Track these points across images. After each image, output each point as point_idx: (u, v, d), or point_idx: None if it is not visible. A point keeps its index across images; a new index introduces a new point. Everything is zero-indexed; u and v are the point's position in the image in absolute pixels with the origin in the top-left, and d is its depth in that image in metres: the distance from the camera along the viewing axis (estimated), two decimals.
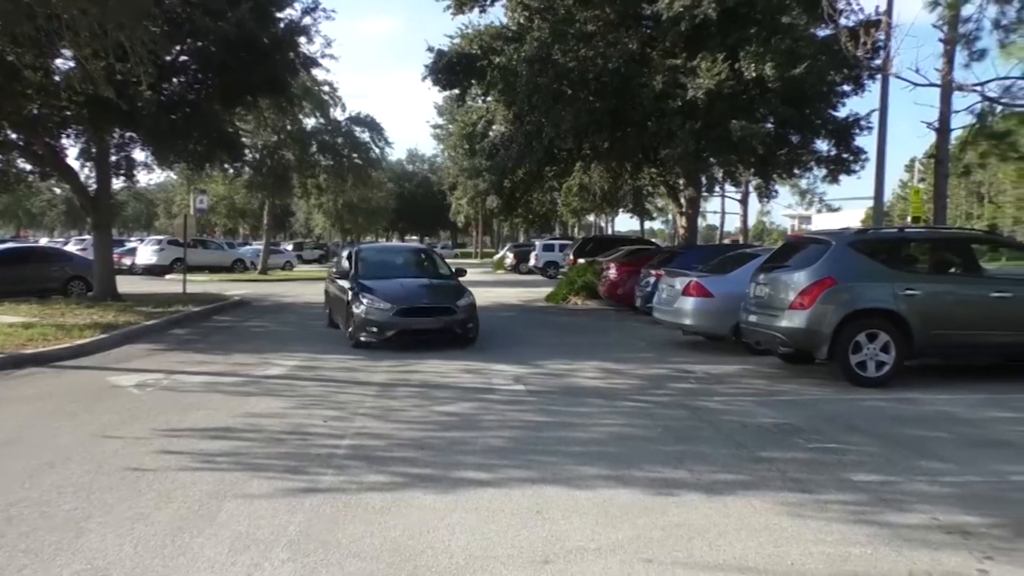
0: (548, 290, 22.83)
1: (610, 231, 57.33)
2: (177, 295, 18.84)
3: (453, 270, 14.01)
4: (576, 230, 60.00)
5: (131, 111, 15.57)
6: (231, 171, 26.03)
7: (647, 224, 58.94)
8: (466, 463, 5.54)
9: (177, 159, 20.29)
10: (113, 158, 18.83)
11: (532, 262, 39.08)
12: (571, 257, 27.26)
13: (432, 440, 6.19)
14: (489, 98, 23.45)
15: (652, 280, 14.79)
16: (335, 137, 36.84)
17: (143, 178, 41.91)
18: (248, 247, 47.24)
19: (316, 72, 28.60)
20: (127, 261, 33.55)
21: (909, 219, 23.99)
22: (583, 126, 18.21)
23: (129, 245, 38.81)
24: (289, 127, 33.74)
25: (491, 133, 24.31)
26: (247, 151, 26.27)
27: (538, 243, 41.32)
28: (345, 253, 14.78)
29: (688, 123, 16.72)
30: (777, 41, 15.83)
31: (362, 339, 11.29)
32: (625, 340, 12.98)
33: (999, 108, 16.24)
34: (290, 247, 53.83)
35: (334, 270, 14.65)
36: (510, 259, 44.34)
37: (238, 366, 9.88)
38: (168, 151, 18.65)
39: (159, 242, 36.18)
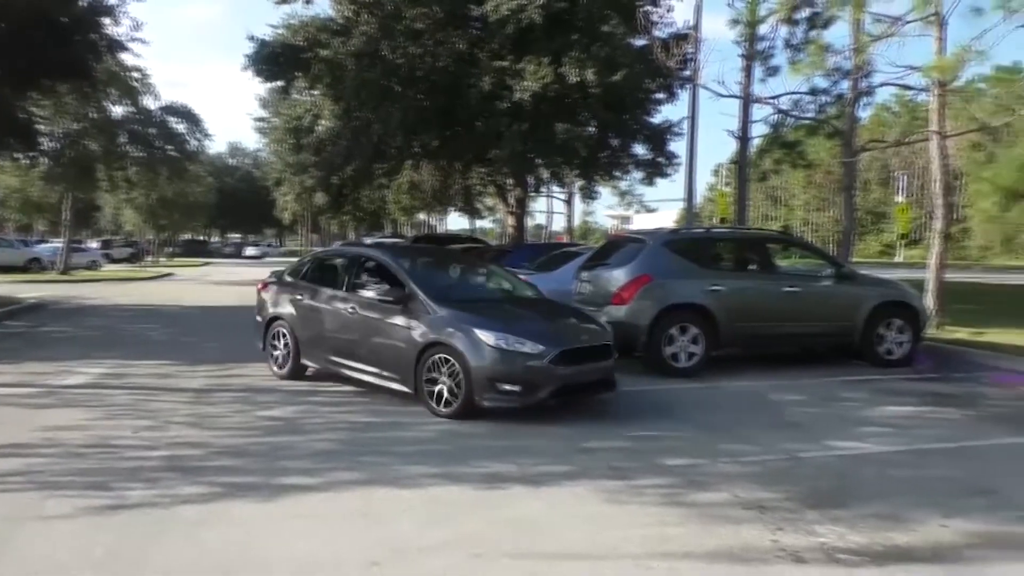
0: None
1: (441, 230, 57.53)
2: None
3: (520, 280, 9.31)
4: (407, 228, 59.71)
5: None
6: (24, 161, 23.58)
7: (477, 223, 59.68)
8: (290, 469, 5.36)
9: None
10: None
11: None
12: None
13: (254, 446, 5.93)
14: (315, 92, 22.82)
15: None
16: (147, 127, 34.30)
17: None
18: (46, 245, 43.02)
19: (124, 57, 26.49)
20: None
21: (716, 220, 25.93)
22: (412, 124, 18.16)
23: None
24: (94, 115, 31.03)
25: (318, 128, 23.64)
26: (43, 140, 23.88)
27: (368, 241, 40.79)
28: (341, 254, 9.59)
29: (515, 124, 17.11)
30: (597, 48, 16.55)
31: (488, 404, 6.70)
32: None
33: (790, 120, 17.93)
34: (96, 245, 49.59)
35: (293, 276, 9.21)
36: None
37: (33, 375, 8.96)
38: None
39: None
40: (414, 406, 7.27)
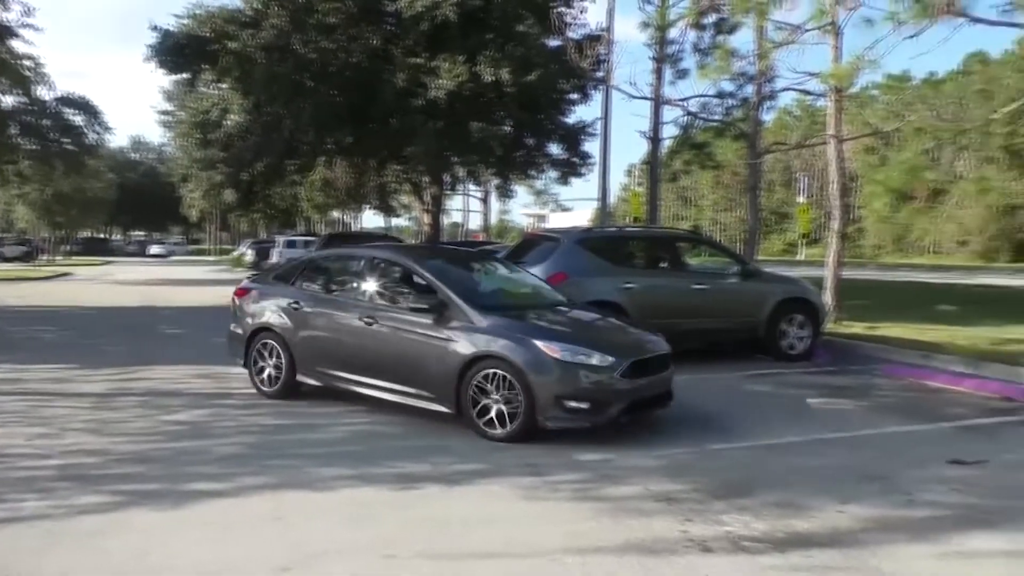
0: None
1: (356, 228, 56.71)
2: None
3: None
4: (321, 226, 58.61)
5: None
6: None
7: (393, 221, 59.17)
8: (197, 474, 5.19)
9: None
10: None
11: (274, 259, 37.59)
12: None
13: (158, 452, 5.72)
14: (224, 85, 22.14)
15: None
16: (40, 119, 32.55)
17: None
18: None
19: (14, 43, 25.14)
20: None
21: (629, 219, 26.47)
22: (325, 120, 17.85)
23: None
24: None
25: (226, 123, 22.94)
26: None
27: (280, 239, 39.85)
28: (348, 256, 8.34)
29: (430, 122, 17.06)
30: (512, 48, 16.67)
31: (553, 425, 6.00)
32: None
33: (698, 122, 18.46)
34: None
35: (283, 282, 7.97)
36: (250, 256, 42.23)
37: None
38: None
39: None
40: (326, 407, 7.14)
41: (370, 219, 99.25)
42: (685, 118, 18.47)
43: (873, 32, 10.60)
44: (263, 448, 5.92)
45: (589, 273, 9.71)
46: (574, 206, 58.87)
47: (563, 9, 19.30)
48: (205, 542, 4.09)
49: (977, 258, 46.56)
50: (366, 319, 6.92)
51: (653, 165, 19.19)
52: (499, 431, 6.04)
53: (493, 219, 55.54)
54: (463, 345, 6.27)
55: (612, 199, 39.71)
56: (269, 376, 7.62)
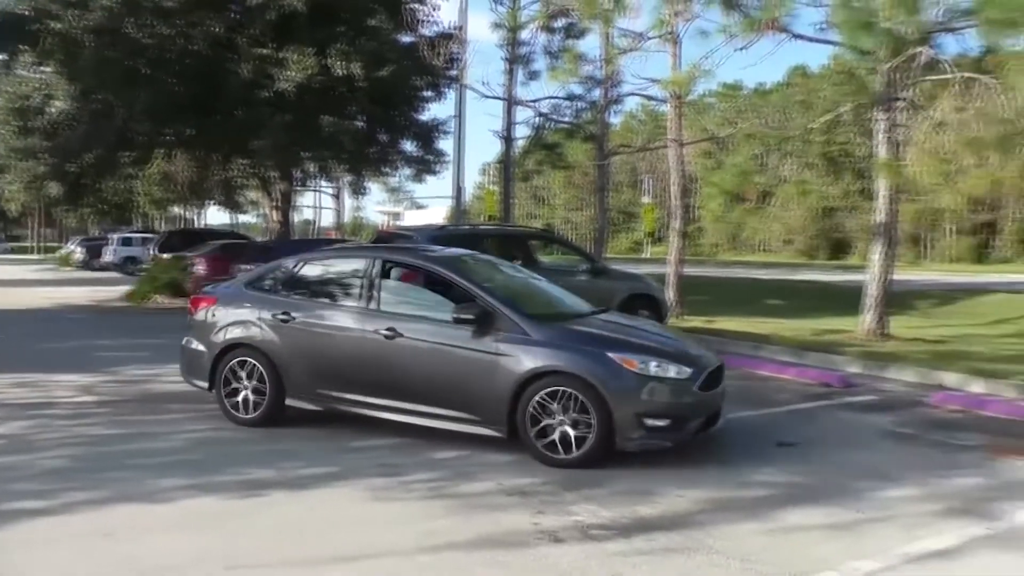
0: (127, 288, 20.65)
1: (200, 224, 53.84)
2: None
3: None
4: (160, 223, 55.21)
5: None
6: None
7: (240, 218, 56.65)
8: (17, 492, 4.75)
9: None
10: None
11: (107, 257, 35.17)
12: (154, 252, 25.08)
13: None
14: (47, 69, 20.34)
15: None
16: None
17: None
18: None
19: None
20: None
21: (484, 217, 26.72)
22: (163, 110, 16.78)
23: None
24: None
25: (50, 110, 21.07)
26: None
27: (115, 237, 37.25)
28: (352, 256, 7.33)
29: (278, 115, 16.43)
30: (364, 42, 16.35)
31: (634, 446, 5.45)
32: None
33: (550, 123, 18.93)
34: None
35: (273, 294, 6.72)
36: (79, 254, 39.22)
37: None
38: None
39: None
40: (164, 414, 6.75)
41: (215, 215, 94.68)
42: (537, 119, 18.87)
43: (708, 43, 11.28)
44: (93, 460, 5.50)
45: None
46: (429, 204, 58.80)
47: (416, 5, 19.15)
48: (27, 564, 3.75)
49: (800, 255, 50.57)
50: (386, 332, 5.97)
51: (506, 164, 19.49)
52: (567, 455, 5.39)
53: (346, 216, 54.42)
54: (518, 360, 5.55)
55: (467, 197, 39.90)
56: (246, 400, 6.43)
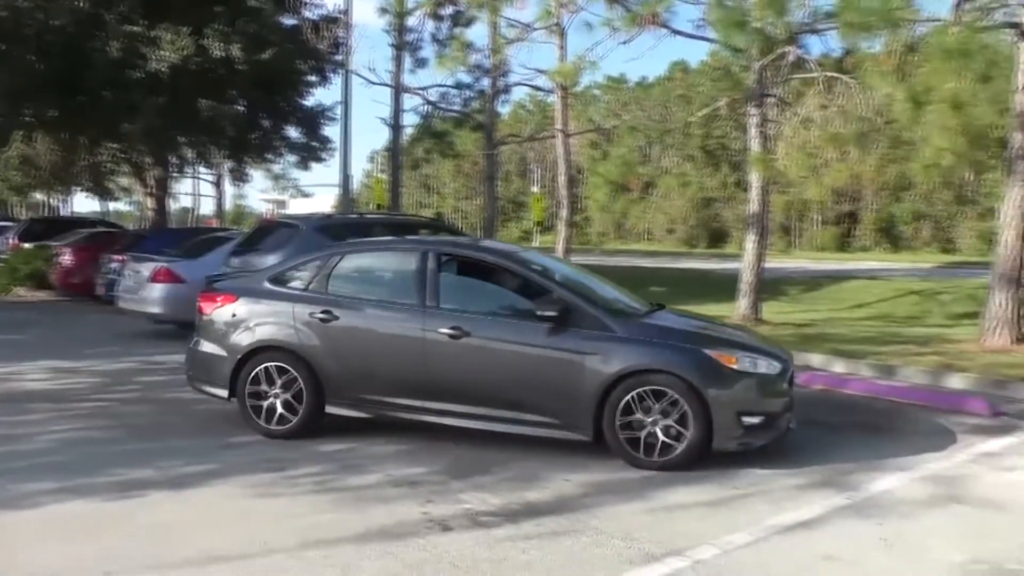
0: None
1: (66, 212, 50.49)
2: None
3: None
4: (21, 210, 51.42)
5: None
6: None
7: (112, 205, 53.53)
8: None
9: None
10: None
11: None
12: (14, 241, 23.35)
13: None
14: None
15: (116, 266, 13.55)
16: None
17: None
18: None
19: None
20: None
21: (373, 206, 26.35)
22: (21, 89, 15.64)
23: None
24: None
25: None
26: None
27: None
28: (401, 248, 6.60)
29: (151, 97, 15.62)
30: (243, 23, 15.76)
31: (734, 446, 5.29)
32: (84, 334, 11.63)
33: (438, 111, 18.86)
34: None
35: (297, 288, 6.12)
36: None
37: None
38: None
39: None
40: (28, 414, 6.33)
41: (83, 203, 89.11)
42: (425, 107, 18.77)
43: (593, 35, 11.53)
44: None
45: None
46: (315, 192, 57.28)
47: None
48: None
49: (682, 244, 52.46)
50: (450, 331, 5.55)
51: (395, 152, 19.28)
52: (662, 458, 5.18)
53: (228, 204, 52.36)
54: (607, 359, 5.28)
55: (355, 185, 39.19)
56: (277, 408, 5.82)
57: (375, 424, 6.14)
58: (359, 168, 76.74)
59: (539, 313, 5.40)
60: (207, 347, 6.17)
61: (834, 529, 4.30)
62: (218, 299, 6.23)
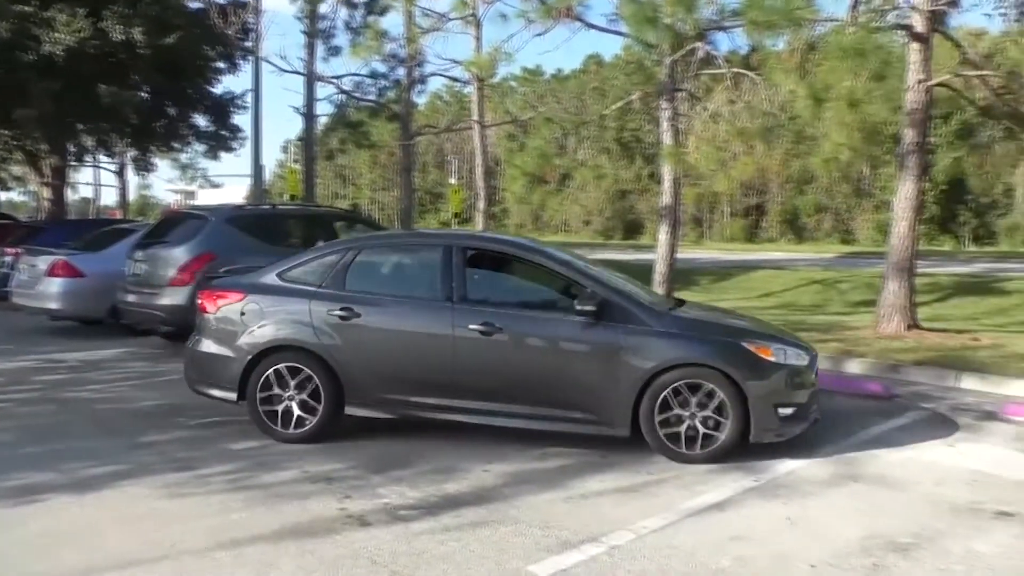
0: None
1: None
2: None
3: None
4: None
5: None
6: None
7: (3, 195, 50.55)
8: None
9: None
10: None
11: None
12: None
13: None
14: None
15: (9, 260, 12.86)
16: None
17: None
18: None
19: None
20: None
21: (286, 196, 25.71)
22: None
23: None
24: None
25: None
26: None
27: None
28: (422, 243, 6.56)
29: (45, 81, 14.81)
30: (145, 6, 15.10)
31: (771, 438, 5.33)
32: None
33: (353, 101, 18.56)
34: None
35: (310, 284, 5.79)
36: None
37: None
38: None
39: None
40: None
41: None
42: (339, 96, 18.43)
43: (508, 27, 11.56)
44: None
45: (240, 253, 9.21)
46: (226, 182, 55.64)
47: None
48: None
49: (598, 235, 53.23)
50: (481, 327, 5.38)
51: (308, 142, 18.87)
52: (702, 451, 5.19)
53: (132, 195, 50.24)
54: (645, 353, 5.24)
55: (268, 176, 38.20)
56: (293, 412, 5.55)
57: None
58: (272, 158, 74.61)
59: (578, 308, 5.30)
60: (211, 347, 5.83)
61: (743, 510, 4.47)
62: (223, 297, 5.87)
